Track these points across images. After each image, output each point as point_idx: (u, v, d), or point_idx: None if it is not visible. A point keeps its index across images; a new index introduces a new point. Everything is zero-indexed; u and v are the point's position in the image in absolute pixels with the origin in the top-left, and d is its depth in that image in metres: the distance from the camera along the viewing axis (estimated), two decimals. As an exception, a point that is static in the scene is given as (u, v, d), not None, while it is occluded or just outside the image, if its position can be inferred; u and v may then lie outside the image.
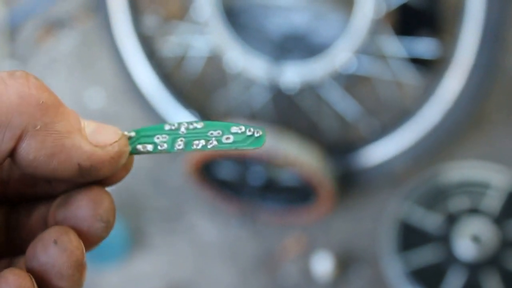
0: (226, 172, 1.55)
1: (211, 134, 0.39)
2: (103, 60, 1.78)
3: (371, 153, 1.51)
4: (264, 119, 1.60)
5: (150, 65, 1.62)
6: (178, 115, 1.60)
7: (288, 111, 1.63)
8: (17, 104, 0.33)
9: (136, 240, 1.60)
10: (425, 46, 1.51)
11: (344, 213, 1.56)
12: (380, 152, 1.50)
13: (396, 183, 1.54)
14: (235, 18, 1.54)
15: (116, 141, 0.37)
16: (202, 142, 0.39)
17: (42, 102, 0.34)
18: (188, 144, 0.39)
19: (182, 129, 0.39)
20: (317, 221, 1.56)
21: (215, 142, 0.39)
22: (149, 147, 0.40)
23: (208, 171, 1.55)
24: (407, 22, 1.56)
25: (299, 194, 1.54)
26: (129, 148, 0.39)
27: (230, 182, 1.56)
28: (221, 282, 1.56)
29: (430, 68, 1.54)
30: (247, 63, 1.52)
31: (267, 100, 1.60)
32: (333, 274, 1.48)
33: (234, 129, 0.39)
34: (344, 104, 1.58)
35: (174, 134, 0.40)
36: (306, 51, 1.51)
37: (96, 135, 0.37)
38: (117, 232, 1.58)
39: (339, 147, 1.55)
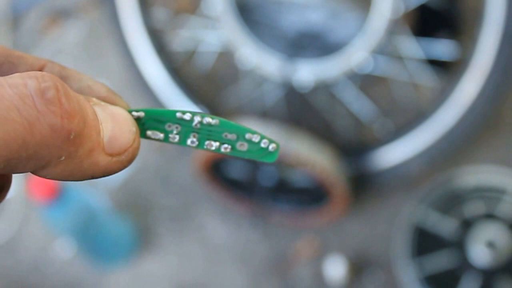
0: (236, 171, 1.59)
1: (226, 136, 0.41)
2: (110, 52, 1.81)
3: (386, 155, 1.55)
4: (276, 117, 1.63)
5: (159, 59, 1.66)
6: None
7: (301, 110, 1.67)
8: (47, 137, 0.33)
9: (144, 240, 1.65)
10: (443, 48, 1.55)
11: (357, 216, 1.61)
12: (394, 154, 1.54)
13: (410, 186, 1.58)
14: (249, 13, 1.57)
15: (131, 145, 0.38)
16: (216, 144, 0.41)
17: (72, 135, 0.35)
18: (201, 142, 0.41)
19: (195, 122, 0.41)
20: (330, 224, 1.60)
21: (229, 148, 0.41)
22: (160, 136, 0.41)
23: (218, 170, 1.59)
24: (425, 23, 1.59)
25: (312, 195, 1.58)
26: (139, 148, 0.39)
27: (241, 182, 1.60)
28: (231, 285, 1.60)
29: (448, 70, 1.58)
30: (260, 60, 1.56)
31: (280, 98, 1.64)
32: (346, 278, 1.53)
33: (248, 135, 0.41)
34: (358, 104, 1.63)
35: (186, 126, 0.41)
36: (321, 49, 1.54)
37: (113, 141, 0.38)
38: (125, 230, 1.63)
39: (353, 148, 1.60)
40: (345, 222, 1.61)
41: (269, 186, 1.56)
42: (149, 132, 0.41)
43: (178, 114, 0.40)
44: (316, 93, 1.65)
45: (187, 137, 0.41)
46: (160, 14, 1.78)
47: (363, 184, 1.58)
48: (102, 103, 0.39)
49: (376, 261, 1.56)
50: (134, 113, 0.41)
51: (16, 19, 1.92)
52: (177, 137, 0.41)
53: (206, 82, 1.75)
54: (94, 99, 0.39)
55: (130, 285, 1.63)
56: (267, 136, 0.41)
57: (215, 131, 0.41)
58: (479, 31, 1.42)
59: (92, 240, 1.59)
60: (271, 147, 0.41)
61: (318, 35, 1.56)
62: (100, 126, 0.37)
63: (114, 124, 0.38)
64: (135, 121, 0.39)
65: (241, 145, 0.41)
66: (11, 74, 0.36)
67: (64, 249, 1.66)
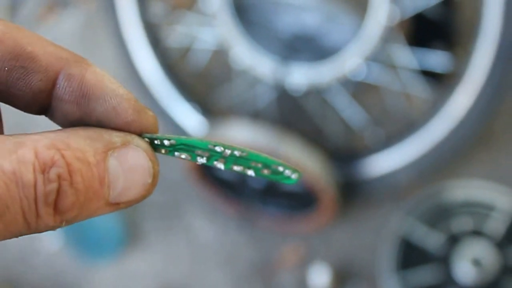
0: (226, 172, 1.59)
1: (251, 164, 0.43)
2: (105, 44, 1.81)
3: (375, 163, 1.55)
4: (267, 119, 1.64)
5: (154, 54, 1.66)
6: (178, 108, 1.64)
7: (292, 113, 1.67)
8: (41, 230, 0.35)
9: (131, 236, 1.66)
10: (437, 59, 1.55)
11: (344, 225, 1.61)
12: (384, 163, 1.54)
13: (398, 197, 1.58)
14: (245, 13, 1.57)
15: (141, 195, 0.38)
16: (241, 168, 0.43)
17: (64, 224, 0.35)
18: (227, 165, 0.42)
19: (226, 152, 0.41)
20: (316, 231, 1.60)
21: (252, 172, 0.43)
22: (188, 157, 0.42)
23: (208, 170, 1.59)
24: (420, 32, 1.59)
25: (300, 200, 1.58)
26: (152, 192, 0.39)
27: (230, 182, 1.61)
28: (214, 287, 1.62)
29: (441, 82, 1.57)
30: (253, 60, 1.56)
31: (272, 100, 1.64)
32: (330, 287, 1.54)
33: (274, 166, 0.43)
34: (350, 110, 1.62)
35: (215, 154, 0.42)
36: (315, 53, 1.54)
37: (122, 195, 0.37)
38: (112, 225, 1.64)
39: (343, 155, 1.60)
40: (332, 230, 1.61)
41: (258, 188, 1.57)
42: (177, 153, 0.41)
43: (210, 146, 0.41)
44: (308, 97, 1.64)
45: (214, 160, 0.42)
46: (157, 8, 1.78)
47: (351, 192, 1.58)
48: (127, 142, 0.38)
49: (361, 271, 1.56)
50: (166, 141, 0.41)
51: (13, 6, 1.93)
52: (204, 160, 0.42)
53: (199, 80, 1.75)
54: (118, 143, 0.38)
55: (115, 281, 1.64)
56: (291, 167, 0.43)
57: (243, 160, 0.42)
58: (474, 44, 1.41)
59: (79, 233, 1.61)
60: (294, 176, 0.44)
61: (313, 38, 1.56)
62: (107, 190, 0.36)
63: (127, 178, 0.37)
64: (155, 168, 0.39)
65: (265, 171, 0.43)
66: (23, 80, 0.38)
67: (50, 241, 1.67)
